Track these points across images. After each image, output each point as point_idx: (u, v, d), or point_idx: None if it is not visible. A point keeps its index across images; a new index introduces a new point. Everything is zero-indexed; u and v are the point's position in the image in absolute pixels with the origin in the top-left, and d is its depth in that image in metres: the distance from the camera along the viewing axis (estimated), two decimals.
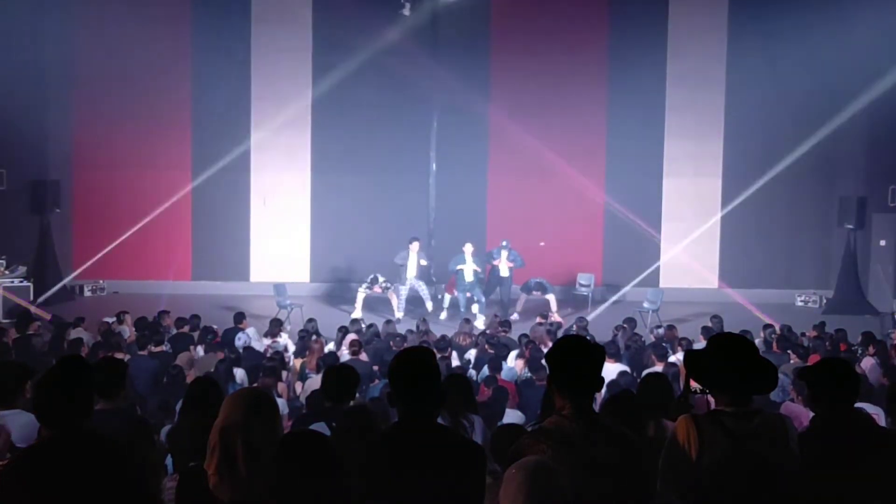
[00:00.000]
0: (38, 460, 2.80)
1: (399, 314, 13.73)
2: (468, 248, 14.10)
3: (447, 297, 14.55)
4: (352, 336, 9.96)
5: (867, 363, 9.25)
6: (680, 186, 16.64)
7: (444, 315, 14.24)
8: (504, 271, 14.44)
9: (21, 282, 13.99)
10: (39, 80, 14.99)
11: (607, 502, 2.81)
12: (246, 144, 16.62)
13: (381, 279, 14.09)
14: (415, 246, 13.97)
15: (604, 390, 4.12)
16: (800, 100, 15.67)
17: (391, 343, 9.83)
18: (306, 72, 16.52)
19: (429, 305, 14.00)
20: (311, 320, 11.35)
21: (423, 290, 14.05)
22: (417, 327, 11.36)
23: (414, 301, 14.12)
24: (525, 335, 10.65)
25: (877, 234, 15.69)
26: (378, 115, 15.87)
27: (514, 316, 14.09)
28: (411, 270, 13.92)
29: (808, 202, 16.51)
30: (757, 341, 9.99)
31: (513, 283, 14.70)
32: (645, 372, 7.97)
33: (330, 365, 6.52)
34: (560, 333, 10.67)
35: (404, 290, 13.94)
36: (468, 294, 14.02)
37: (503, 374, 8.59)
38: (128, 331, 10.77)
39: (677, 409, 4.24)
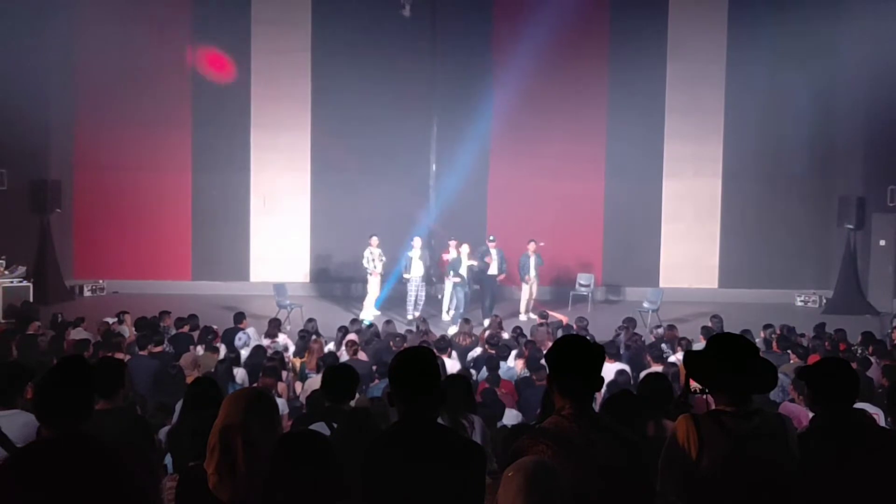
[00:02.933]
0: (34, 460, 2.80)
1: (413, 314, 13.78)
2: (464, 249, 14.01)
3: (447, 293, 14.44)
4: (351, 336, 9.97)
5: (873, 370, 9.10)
6: (680, 187, 16.65)
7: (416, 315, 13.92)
8: (493, 269, 14.30)
9: (21, 282, 13.97)
10: (40, 81, 14.98)
11: (607, 502, 2.81)
12: (246, 144, 16.64)
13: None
14: (417, 242, 14.06)
15: (603, 390, 4.11)
16: (799, 100, 15.68)
17: (391, 343, 9.83)
18: (306, 72, 16.53)
19: (410, 313, 13.92)
20: (310, 320, 11.35)
21: (422, 295, 14.10)
22: (417, 327, 11.36)
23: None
24: (524, 335, 10.65)
25: (876, 234, 15.69)
26: (378, 115, 15.87)
27: (523, 317, 14.09)
28: (417, 269, 14.00)
29: (807, 202, 16.52)
30: (757, 341, 9.98)
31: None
32: (644, 372, 7.97)
33: (330, 365, 6.51)
34: (559, 333, 10.67)
35: (413, 290, 14.00)
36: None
37: (503, 374, 8.58)
38: (128, 331, 10.77)
39: (677, 408, 4.24)
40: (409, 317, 13.70)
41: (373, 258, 14.03)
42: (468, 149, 16.31)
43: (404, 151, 16.24)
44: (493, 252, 14.24)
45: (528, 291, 14.56)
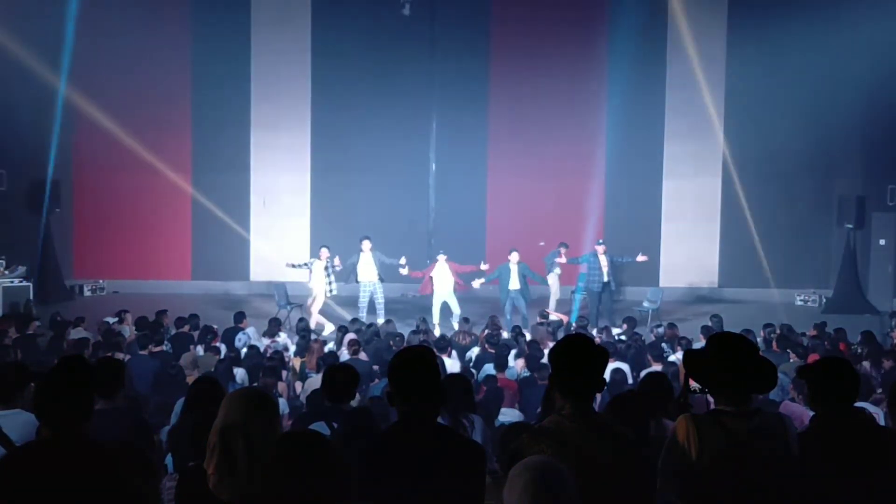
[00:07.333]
0: (27, 460, 2.80)
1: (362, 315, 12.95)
2: (514, 257, 13.20)
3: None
4: (351, 335, 9.96)
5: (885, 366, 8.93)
6: (680, 186, 16.65)
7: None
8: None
9: (21, 282, 13.97)
10: (39, 81, 14.97)
11: (607, 502, 2.80)
12: (246, 144, 16.64)
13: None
14: (367, 245, 13.16)
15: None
16: (799, 100, 15.68)
17: (391, 342, 9.82)
18: (306, 72, 16.54)
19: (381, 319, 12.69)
20: (301, 319, 11.34)
21: (380, 298, 13.11)
22: (417, 327, 11.34)
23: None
24: (522, 335, 10.64)
25: (876, 234, 15.70)
26: (378, 115, 15.88)
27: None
28: (368, 273, 13.11)
29: (807, 202, 16.53)
30: (757, 341, 9.97)
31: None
32: (645, 371, 7.97)
33: (330, 364, 6.51)
34: (560, 332, 10.67)
35: (363, 295, 13.18)
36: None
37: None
38: (128, 330, 10.77)
39: (677, 408, 4.23)
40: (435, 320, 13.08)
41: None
42: (467, 148, 16.32)
43: (404, 151, 16.24)
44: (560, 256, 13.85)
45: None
